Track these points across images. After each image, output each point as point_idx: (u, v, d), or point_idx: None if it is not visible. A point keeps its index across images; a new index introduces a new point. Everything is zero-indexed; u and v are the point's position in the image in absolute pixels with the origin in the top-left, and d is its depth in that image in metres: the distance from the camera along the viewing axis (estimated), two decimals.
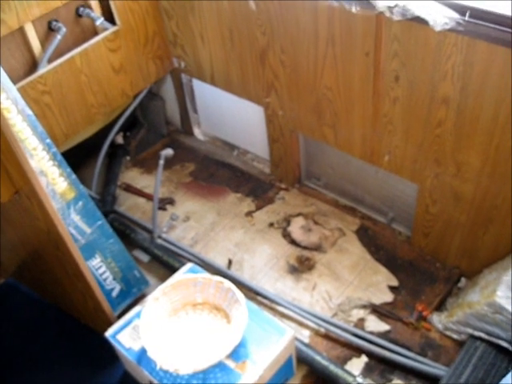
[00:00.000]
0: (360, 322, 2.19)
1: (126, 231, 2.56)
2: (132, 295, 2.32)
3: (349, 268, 2.38)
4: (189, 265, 2.13)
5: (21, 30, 2.24)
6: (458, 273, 2.29)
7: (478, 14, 1.64)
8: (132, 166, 3.04)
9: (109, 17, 2.50)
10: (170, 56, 2.81)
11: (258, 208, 2.68)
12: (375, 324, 2.18)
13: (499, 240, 2.06)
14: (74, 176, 2.04)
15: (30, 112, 1.94)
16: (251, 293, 2.29)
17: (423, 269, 2.34)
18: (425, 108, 1.93)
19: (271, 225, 2.59)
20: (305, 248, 2.47)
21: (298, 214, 2.62)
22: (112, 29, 2.50)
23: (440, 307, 2.22)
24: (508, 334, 1.89)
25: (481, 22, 1.64)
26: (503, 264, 2.04)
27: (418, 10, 1.70)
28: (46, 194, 1.65)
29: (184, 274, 2.09)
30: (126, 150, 3.08)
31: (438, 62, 1.79)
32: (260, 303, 2.27)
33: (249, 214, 2.66)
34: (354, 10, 1.86)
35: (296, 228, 2.55)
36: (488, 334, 1.95)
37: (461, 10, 1.66)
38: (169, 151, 2.40)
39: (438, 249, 2.32)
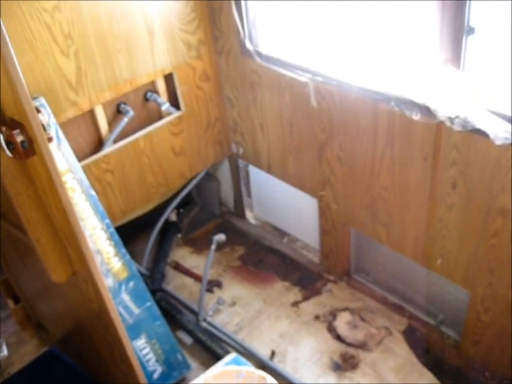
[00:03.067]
0: None
1: (172, 311, 2.58)
2: (173, 378, 2.31)
3: (394, 370, 2.31)
4: (233, 354, 2.12)
5: (91, 112, 2.35)
6: None
7: None
8: (183, 244, 3.09)
9: (174, 102, 2.61)
10: (229, 142, 2.89)
11: (305, 299, 2.67)
12: None
13: None
14: (128, 256, 2.09)
15: (92, 192, 2.02)
16: None
17: (471, 377, 2.26)
18: (481, 217, 1.92)
19: (317, 317, 2.56)
20: (350, 345, 2.42)
21: (345, 309, 2.59)
22: (176, 113, 2.61)
23: None
24: None
25: None
26: None
27: (478, 122, 1.72)
28: (101, 278, 1.68)
29: (227, 363, 2.07)
30: (178, 227, 3.14)
31: (497, 174, 1.79)
32: None
33: (295, 304, 2.64)
34: (414, 117, 1.89)
35: (342, 323, 2.51)
36: None
37: None
38: (221, 237, 2.44)
39: (489, 357, 2.24)
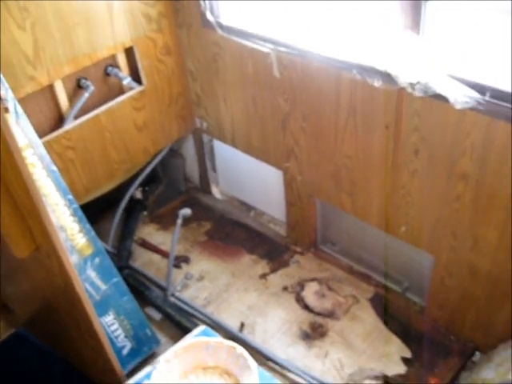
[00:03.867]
0: None
1: (139, 288, 2.57)
2: (143, 354, 2.31)
3: (362, 337, 2.35)
4: (201, 327, 2.11)
5: (50, 87, 2.30)
6: (472, 347, 2.26)
7: (499, 95, 1.67)
8: (149, 221, 3.06)
9: (136, 76, 2.57)
10: (193, 116, 2.87)
11: (273, 271, 2.68)
12: None
13: None
14: (92, 232, 2.06)
15: (54, 168, 1.98)
16: (262, 358, 2.27)
17: (437, 341, 2.31)
18: (443, 182, 1.95)
19: (285, 289, 2.58)
20: (318, 314, 2.45)
21: (313, 279, 2.61)
22: (138, 88, 2.57)
23: (453, 382, 2.18)
24: None
25: (501, 103, 1.67)
26: None
27: (439, 87, 1.74)
28: (65, 252, 1.66)
29: (196, 336, 2.07)
30: (143, 205, 3.11)
31: (458, 139, 1.82)
32: (271, 369, 2.25)
33: (263, 276, 2.66)
34: (376, 84, 1.90)
35: (310, 293, 2.53)
36: None
37: (481, 89, 1.69)
38: (187, 211, 2.42)
39: (453, 321, 2.29)
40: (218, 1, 2.39)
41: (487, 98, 1.68)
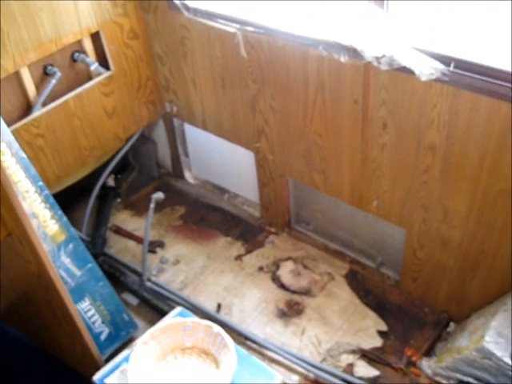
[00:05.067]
0: (349, 368, 2.18)
1: (115, 274, 2.56)
2: (120, 339, 2.31)
3: (338, 313, 2.38)
4: (178, 308, 2.13)
5: (16, 74, 2.28)
6: (446, 317, 2.30)
7: (463, 65, 1.70)
8: (123, 208, 3.05)
9: (103, 62, 2.55)
10: (163, 101, 2.86)
11: (248, 252, 2.69)
12: (364, 369, 2.17)
13: (487, 285, 2.09)
14: (64, 219, 2.05)
15: (23, 155, 1.97)
16: (240, 337, 2.28)
17: (412, 313, 2.35)
18: (412, 154, 1.98)
19: (261, 269, 2.60)
20: (294, 292, 2.47)
21: (288, 258, 2.63)
22: (106, 74, 2.55)
23: (429, 352, 2.22)
24: (497, 379, 1.89)
25: (465, 73, 1.69)
26: (491, 309, 2.05)
27: (404, 60, 1.75)
28: (37, 238, 1.66)
29: (173, 317, 2.08)
30: (117, 192, 3.10)
31: (425, 111, 1.84)
32: (249, 348, 2.26)
33: (238, 257, 2.67)
34: (342, 59, 1.91)
35: (285, 272, 2.55)
36: (477, 379, 1.96)
37: (446, 60, 1.72)
38: (159, 195, 2.42)
39: (427, 293, 2.33)
40: None
41: (451, 68, 1.71)
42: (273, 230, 2.80)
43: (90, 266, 2.15)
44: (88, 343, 2.01)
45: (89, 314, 2.18)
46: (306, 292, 2.47)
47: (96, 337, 2.19)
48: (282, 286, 2.50)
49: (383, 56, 1.79)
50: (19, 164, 1.95)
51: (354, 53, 1.88)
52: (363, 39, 1.83)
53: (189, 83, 2.63)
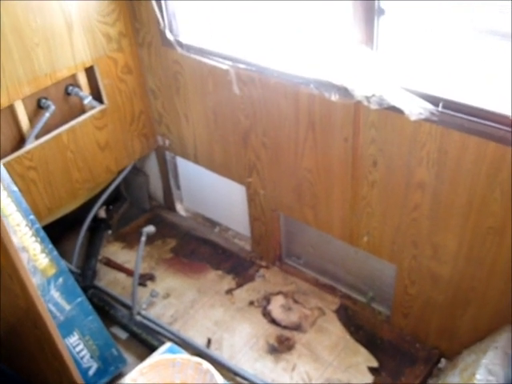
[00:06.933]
0: None
1: (105, 307, 2.55)
2: (109, 374, 2.29)
3: (328, 348, 2.37)
4: (167, 344, 2.11)
5: (10, 107, 2.29)
6: (437, 353, 2.30)
7: (451, 105, 1.73)
8: (113, 240, 3.05)
9: (97, 95, 2.57)
10: (155, 134, 2.88)
11: (239, 286, 2.69)
12: None
13: (477, 321, 2.09)
14: (55, 252, 2.05)
15: (15, 188, 1.97)
16: (230, 373, 2.27)
17: (403, 349, 2.34)
18: (402, 192, 1.99)
19: (251, 303, 2.59)
20: (285, 327, 2.46)
21: (278, 293, 2.62)
22: (99, 107, 2.57)
23: None
24: None
25: (454, 113, 1.72)
26: (482, 346, 2.05)
27: (393, 100, 1.78)
28: (27, 273, 1.65)
29: (162, 353, 2.06)
30: (108, 224, 3.10)
31: (414, 149, 1.86)
32: None
33: (229, 291, 2.66)
34: (333, 98, 1.94)
35: (276, 307, 2.55)
36: None
37: (434, 100, 1.75)
38: (151, 228, 2.42)
39: (418, 329, 2.33)
40: (177, 20, 2.41)
41: (440, 108, 1.73)
42: (264, 263, 2.80)
43: (79, 300, 2.14)
44: (76, 379, 1.99)
45: (77, 348, 2.16)
46: (297, 327, 2.46)
47: (84, 372, 2.17)
48: (273, 321, 2.49)
49: (373, 95, 1.82)
50: (11, 197, 1.96)
51: (344, 92, 1.90)
52: (353, 79, 1.86)
53: (181, 117, 2.66)
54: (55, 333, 1.83)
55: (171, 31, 2.42)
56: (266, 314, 2.53)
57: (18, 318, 1.91)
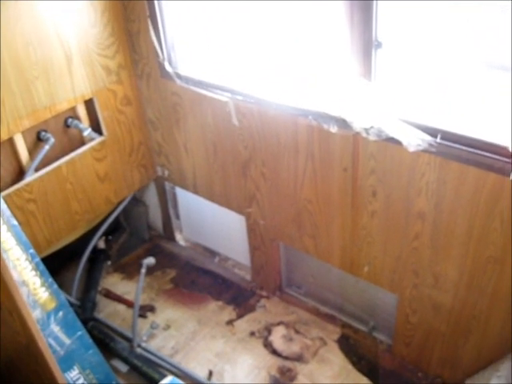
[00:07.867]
0: None
1: (105, 340, 2.53)
2: None
3: (331, 379, 2.35)
4: (169, 377, 2.09)
5: (10, 140, 2.30)
6: (440, 382, 2.28)
7: (449, 137, 1.74)
8: (113, 271, 3.04)
9: (96, 127, 2.59)
10: (154, 165, 2.89)
11: (239, 316, 2.68)
12: None
13: (480, 349, 2.08)
14: (55, 286, 2.04)
15: (14, 222, 1.97)
16: None
17: (405, 378, 2.33)
18: (402, 222, 2.00)
19: (252, 334, 2.57)
20: (286, 358, 2.45)
21: (279, 323, 2.61)
22: (99, 139, 2.58)
23: None
24: None
25: (452, 144, 1.73)
26: (484, 375, 2.04)
27: (392, 131, 1.80)
28: (27, 308, 1.64)
29: None
30: (107, 254, 3.09)
31: (413, 179, 1.87)
32: None
33: (230, 322, 2.65)
34: (332, 129, 1.96)
35: (277, 337, 2.53)
36: None
37: (433, 132, 1.76)
38: (151, 260, 2.41)
39: (420, 358, 2.32)
40: (176, 52, 2.44)
41: (438, 140, 1.75)
42: (264, 293, 2.79)
43: (79, 333, 2.12)
44: None
45: (78, 383, 2.14)
46: (299, 358, 2.44)
47: None
48: (274, 352, 2.48)
49: (371, 127, 1.84)
50: (10, 231, 1.95)
51: (343, 123, 1.92)
52: (352, 110, 1.87)
53: (181, 148, 2.67)
54: (55, 368, 1.81)
55: (170, 63, 2.44)
56: (268, 345, 2.51)
57: (18, 353, 1.90)
